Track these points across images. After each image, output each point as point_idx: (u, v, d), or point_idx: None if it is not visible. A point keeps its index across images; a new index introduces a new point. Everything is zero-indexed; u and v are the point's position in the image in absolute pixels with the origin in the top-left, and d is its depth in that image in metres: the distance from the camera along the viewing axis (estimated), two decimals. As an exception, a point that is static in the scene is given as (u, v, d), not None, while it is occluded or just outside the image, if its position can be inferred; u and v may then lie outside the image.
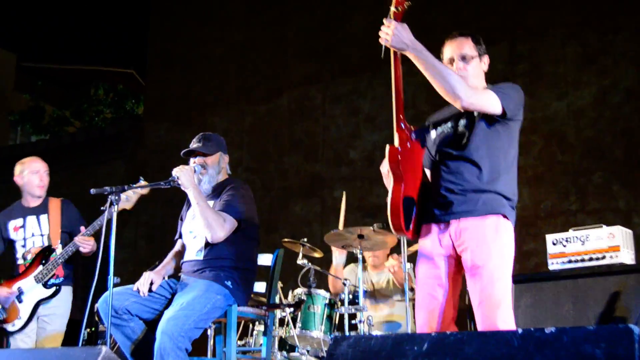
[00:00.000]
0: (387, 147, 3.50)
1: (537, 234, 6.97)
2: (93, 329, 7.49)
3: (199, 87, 10.38)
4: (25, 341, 5.40)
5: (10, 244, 5.66)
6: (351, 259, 6.04)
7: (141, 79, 17.08)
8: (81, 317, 4.29)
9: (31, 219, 5.66)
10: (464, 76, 3.58)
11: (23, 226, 5.65)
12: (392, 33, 3.46)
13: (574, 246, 5.14)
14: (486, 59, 3.75)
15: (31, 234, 5.62)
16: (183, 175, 4.42)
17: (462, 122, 3.64)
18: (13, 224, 5.68)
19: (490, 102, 3.48)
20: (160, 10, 11.37)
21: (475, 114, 3.59)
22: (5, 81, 18.65)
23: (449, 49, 3.73)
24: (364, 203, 8.40)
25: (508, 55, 7.76)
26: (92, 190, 4.24)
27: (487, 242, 3.44)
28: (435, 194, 3.62)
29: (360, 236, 5.52)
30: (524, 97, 3.64)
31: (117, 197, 4.20)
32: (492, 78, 7.60)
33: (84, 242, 5.28)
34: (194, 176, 4.54)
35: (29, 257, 5.51)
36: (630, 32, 7.21)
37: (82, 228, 5.34)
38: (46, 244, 5.56)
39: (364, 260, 6.31)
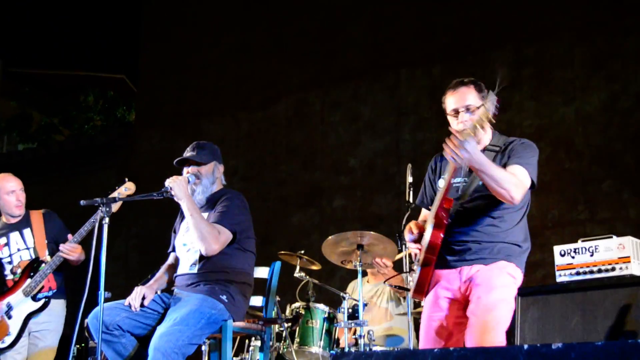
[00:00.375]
0: (428, 239, 3.62)
1: (545, 245, 6.88)
2: (83, 345, 7.47)
3: (192, 93, 10.28)
4: (16, 358, 5.38)
5: None
6: (354, 274, 5.93)
7: (132, 85, 16.94)
8: (71, 333, 4.35)
9: (14, 235, 5.63)
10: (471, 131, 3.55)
11: (7, 244, 5.62)
12: (466, 156, 3.38)
13: (582, 257, 5.04)
14: (489, 101, 3.70)
15: (16, 249, 5.59)
16: (176, 186, 4.40)
17: (474, 179, 3.71)
18: None
19: (525, 186, 3.60)
20: (152, 13, 11.29)
21: None
22: (-9, 87, 18.54)
23: (452, 100, 3.76)
24: (364, 213, 8.34)
25: (514, 59, 7.66)
26: (82, 202, 4.26)
27: (492, 278, 3.61)
28: (447, 240, 3.71)
29: (360, 247, 5.54)
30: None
31: (108, 209, 4.16)
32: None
33: (70, 251, 5.25)
34: (188, 187, 4.50)
35: (18, 271, 5.46)
36: (640, 35, 7.09)
37: (70, 236, 5.30)
38: (34, 256, 5.51)
39: (365, 273, 6.36)
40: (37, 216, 5.67)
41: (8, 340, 5.28)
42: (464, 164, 3.43)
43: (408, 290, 3.94)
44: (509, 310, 3.62)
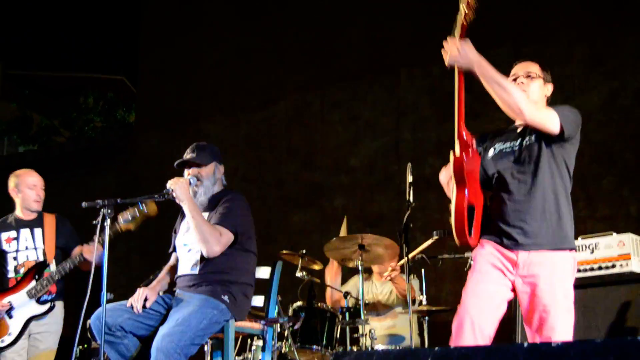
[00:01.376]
0: (451, 155, 3.56)
1: None
2: (85, 346, 7.43)
3: (192, 94, 10.28)
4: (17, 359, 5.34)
5: (2, 255, 5.56)
6: (357, 271, 5.92)
7: (132, 86, 16.94)
8: (73, 334, 4.33)
9: (25, 232, 5.60)
10: (523, 90, 3.64)
11: (16, 238, 5.58)
12: (460, 53, 3.51)
13: (583, 255, 5.05)
14: (550, 87, 3.82)
15: (24, 246, 5.55)
16: (178, 188, 4.38)
17: (525, 145, 3.66)
18: (6, 235, 5.59)
19: (550, 120, 3.51)
20: (152, 15, 11.28)
21: (535, 138, 3.62)
22: (-8, 90, 18.54)
23: (516, 69, 3.82)
24: (365, 212, 8.34)
25: (513, 58, 7.59)
26: (84, 204, 4.21)
27: (555, 283, 3.49)
28: (498, 217, 3.66)
29: (361, 247, 5.53)
30: (581, 119, 3.66)
31: (109, 211, 4.13)
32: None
33: (89, 252, 5.20)
34: (189, 189, 4.48)
35: (22, 270, 5.43)
36: (639, 32, 7.09)
37: (85, 246, 5.28)
38: (40, 258, 5.49)
39: (370, 271, 6.38)
40: (50, 219, 5.66)
41: (7, 340, 5.25)
42: (464, 64, 3.46)
43: (445, 258, 3.84)
44: (571, 317, 3.49)
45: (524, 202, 3.57)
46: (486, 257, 3.65)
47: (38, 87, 19.43)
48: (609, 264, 4.91)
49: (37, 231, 5.58)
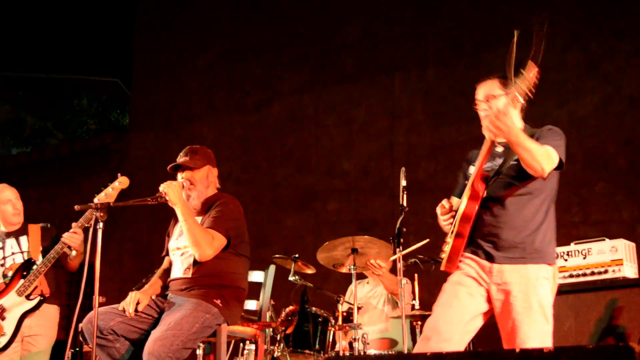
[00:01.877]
0: (463, 209, 3.61)
1: None
2: (77, 349, 7.40)
3: (186, 97, 10.26)
4: None
5: None
6: (349, 277, 5.92)
7: (126, 89, 16.90)
8: (65, 337, 4.30)
9: (10, 241, 5.65)
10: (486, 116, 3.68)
11: (2, 248, 5.62)
12: (502, 128, 3.41)
13: (575, 260, 5.15)
14: (515, 100, 3.80)
15: (10, 252, 5.58)
16: (171, 191, 4.39)
17: (507, 166, 3.70)
18: None
19: (554, 162, 3.55)
20: (146, 17, 11.25)
21: (519, 163, 3.63)
22: (-15, 92, 18.46)
23: (477, 92, 3.86)
24: (358, 216, 8.31)
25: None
26: (77, 207, 4.28)
27: (528, 291, 3.52)
28: (474, 231, 3.70)
29: (354, 250, 5.59)
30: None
31: (102, 214, 4.16)
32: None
33: (72, 237, 5.15)
34: (183, 192, 4.49)
35: (10, 273, 5.43)
36: (633, 37, 7.10)
37: (73, 224, 5.21)
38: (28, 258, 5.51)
39: (364, 276, 6.39)
40: (35, 228, 5.69)
41: (3, 340, 5.25)
42: (501, 135, 3.41)
43: (439, 261, 3.91)
44: (547, 325, 3.52)
45: (500, 217, 3.62)
46: (462, 269, 3.71)
47: (32, 89, 19.37)
48: (602, 270, 4.98)
49: (23, 238, 5.62)
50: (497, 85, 3.77)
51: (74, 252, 5.32)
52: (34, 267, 5.32)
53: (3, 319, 5.26)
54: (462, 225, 3.59)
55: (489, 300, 3.63)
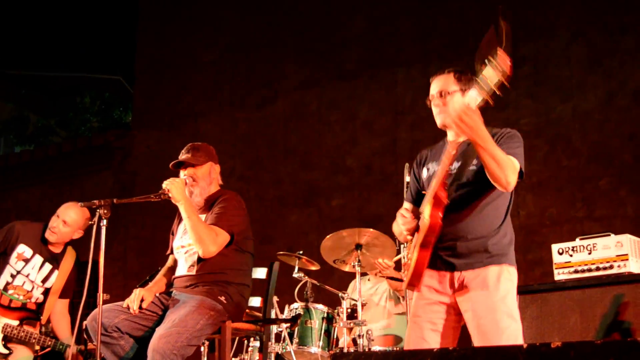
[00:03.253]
0: (428, 219, 3.41)
1: (542, 243, 6.91)
2: (82, 347, 7.35)
3: (189, 94, 10.25)
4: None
5: (4, 257, 5.51)
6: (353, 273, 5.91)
7: (129, 86, 16.88)
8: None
9: (37, 260, 5.53)
10: (441, 111, 3.61)
11: (26, 261, 5.50)
12: (471, 124, 3.20)
13: (580, 256, 5.06)
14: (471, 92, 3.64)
15: (27, 273, 5.49)
16: (174, 188, 4.39)
17: (462, 169, 3.57)
18: (22, 249, 5.51)
19: (516, 173, 3.42)
20: (148, 14, 11.23)
21: (476, 166, 3.53)
22: (-13, 90, 18.45)
23: (431, 87, 3.74)
24: (362, 213, 8.29)
25: (511, 58, 7.58)
26: (81, 204, 4.28)
27: (490, 294, 3.44)
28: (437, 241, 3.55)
29: (358, 246, 5.60)
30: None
31: (106, 211, 4.13)
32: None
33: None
34: (185, 189, 4.49)
35: (11, 292, 5.42)
36: (638, 31, 7.09)
37: (74, 347, 5.29)
38: (34, 294, 5.47)
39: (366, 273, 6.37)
40: (68, 261, 5.61)
41: None
42: (467, 133, 3.23)
43: (402, 281, 3.81)
44: (515, 323, 3.44)
45: (458, 224, 3.52)
46: (422, 292, 3.60)
47: (35, 87, 19.36)
48: (607, 265, 4.90)
49: (46, 268, 5.51)
50: (452, 81, 3.66)
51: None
52: (34, 322, 5.34)
53: None
54: (428, 236, 3.40)
55: (457, 311, 3.55)
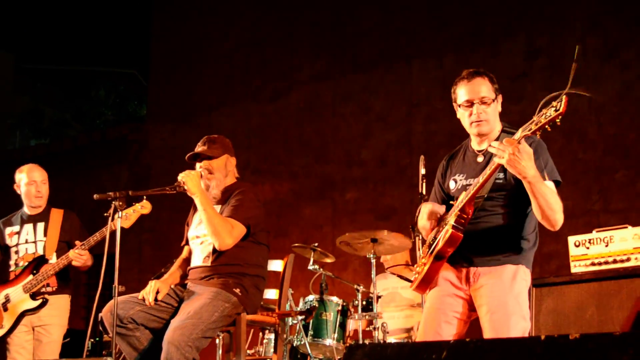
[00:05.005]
0: (450, 230, 3.41)
1: (559, 236, 6.72)
2: (97, 339, 7.44)
3: (203, 87, 10.27)
4: (21, 352, 5.36)
5: (6, 250, 5.60)
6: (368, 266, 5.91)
7: (143, 80, 16.94)
8: (85, 327, 4.23)
9: (28, 226, 5.62)
10: (484, 119, 3.53)
11: (19, 233, 5.61)
12: (519, 158, 3.15)
13: (597, 248, 5.00)
14: (500, 99, 3.63)
15: (25, 240, 5.58)
16: (190, 180, 4.38)
17: (496, 183, 3.50)
18: (9, 230, 5.65)
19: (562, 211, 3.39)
20: (162, 8, 11.26)
21: (504, 178, 3.49)
22: (4, 83, 18.51)
23: (465, 90, 3.58)
24: (376, 205, 8.27)
25: (526, 50, 7.58)
26: (96, 196, 4.26)
27: (504, 291, 3.45)
28: None
29: (373, 240, 5.58)
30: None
31: (121, 203, 4.15)
32: (510, 74, 7.43)
33: (77, 257, 5.22)
34: (201, 181, 4.47)
35: (21, 263, 5.45)
36: (654, 22, 6.99)
37: (78, 242, 5.26)
38: (39, 251, 5.50)
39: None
40: (57, 214, 5.66)
41: (0, 332, 5.27)
42: (519, 172, 3.17)
43: (411, 281, 3.79)
44: (526, 322, 3.44)
45: (478, 225, 3.49)
46: (439, 285, 3.60)
47: (50, 81, 19.45)
48: (624, 257, 4.85)
49: (40, 225, 5.59)
50: (490, 87, 3.55)
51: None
52: (44, 266, 5.31)
53: (5, 309, 5.29)
54: (447, 247, 3.42)
55: (471, 307, 3.55)
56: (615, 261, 4.90)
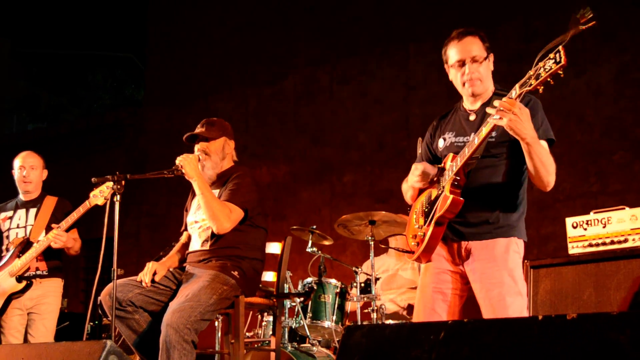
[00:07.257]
0: (450, 196, 3.36)
1: (556, 217, 6.87)
2: (97, 322, 7.45)
3: (200, 71, 10.24)
4: (16, 335, 5.43)
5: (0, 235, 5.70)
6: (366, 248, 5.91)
7: (140, 64, 16.88)
8: (84, 311, 4.20)
9: (21, 212, 5.68)
10: (477, 78, 3.47)
11: (11, 218, 5.66)
12: (519, 119, 3.12)
13: (595, 229, 4.99)
14: (492, 57, 3.57)
15: (16, 224, 5.63)
16: (187, 164, 4.38)
17: (489, 142, 3.41)
18: (3, 215, 5.71)
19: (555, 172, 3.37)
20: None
21: (498, 137, 3.41)
22: (0, 68, 18.45)
23: (456, 50, 3.52)
24: (374, 188, 8.28)
25: (523, 33, 7.54)
26: (94, 179, 4.29)
27: (498, 268, 3.41)
28: None
29: (372, 222, 5.60)
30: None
31: (119, 187, 4.16)
32: (508, 57, 7.39)
33: (56, 238, 5.25)
34: (199, 165, 4.48)
35: (11, 248, 5.48)
36: (652, 4, 6.98)
37: (54, 225, 5.31)
38: (28, 236, 5.53)
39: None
40: (50, 200, 5.69)
41: None
42: (518, 133, 3.13)
43: (412, 252, 3.71)
44: (522, 299, 3.39)
45: (471, 195, 3.40)
46: (433, 261, 3.58)
47: (46, 65, 19.39)
48: (622, 238, 4.84)
49: (32, 211, 5.63)
50: (481, 46, 3.49)
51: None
52: (30, 249, 5.35)
53: None
54: (448, 213, 3.35)
55: (465, 280, 3.53)
56: (612, 242, 4.89)
